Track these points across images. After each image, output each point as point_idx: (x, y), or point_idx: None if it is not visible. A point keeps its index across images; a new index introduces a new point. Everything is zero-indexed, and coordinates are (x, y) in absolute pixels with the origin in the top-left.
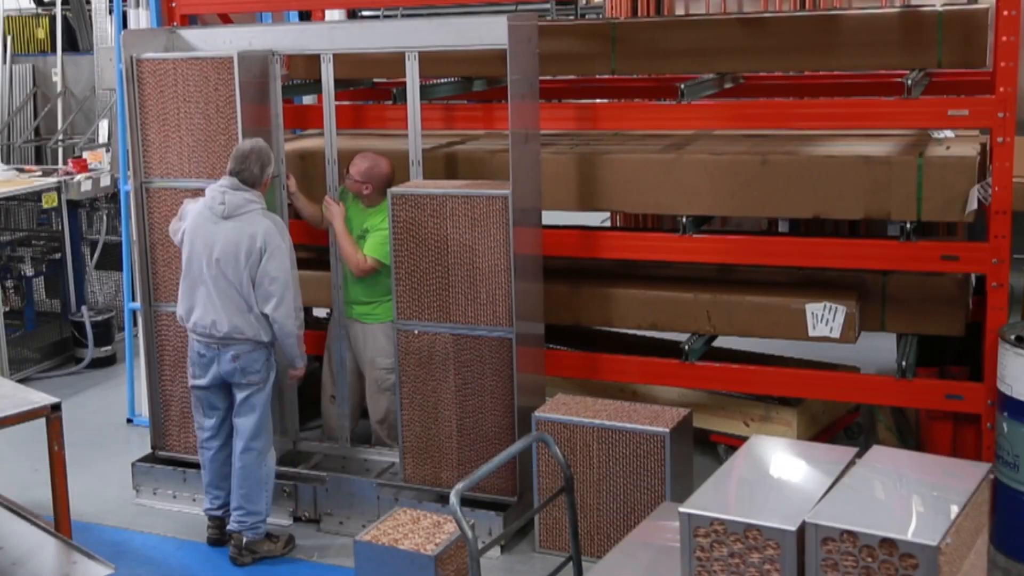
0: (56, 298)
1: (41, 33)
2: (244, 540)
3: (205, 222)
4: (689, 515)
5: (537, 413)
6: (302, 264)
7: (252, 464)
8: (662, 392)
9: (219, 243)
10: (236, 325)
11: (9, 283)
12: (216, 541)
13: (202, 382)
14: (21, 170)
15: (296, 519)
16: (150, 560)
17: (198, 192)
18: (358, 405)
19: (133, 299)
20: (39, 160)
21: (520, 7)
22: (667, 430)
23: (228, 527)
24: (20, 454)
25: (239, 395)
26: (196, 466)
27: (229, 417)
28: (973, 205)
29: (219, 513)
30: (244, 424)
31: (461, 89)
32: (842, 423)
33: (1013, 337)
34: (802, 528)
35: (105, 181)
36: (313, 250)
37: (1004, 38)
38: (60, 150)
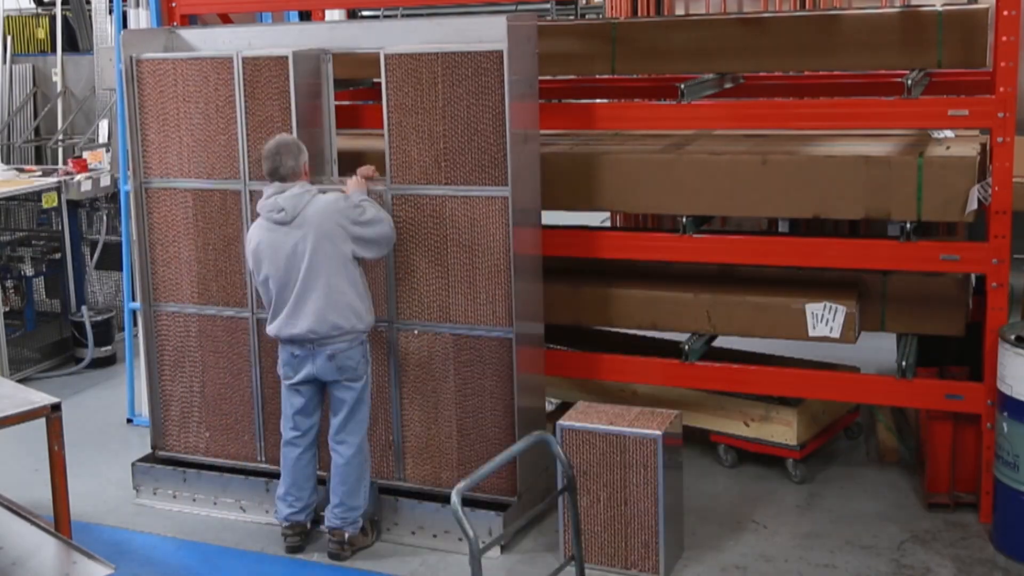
0: (56, 298)
1: (41, 33)
2: (347, 535)
3: (274, 236)
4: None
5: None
6: None
7: (352, 458)
8: (662, 392)
9: (306, 242)
10: (334, 323)
11: (9, 283)
12: (297, 548)
13: (294, 380)
14: (21, 170)
15: None
16: (150, 560)
17: (198, 192)
18: None
19: (133, 299)
20: (39, 160)
21: (520, 7)
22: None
23: (328, 524)
24: (20, 454)
25: (335, 392)
26: (196, 466)
27: (318, 416)
28: (973, 205)
29: (302, 518)
30: (339, 420)
31: None
32: (842, 423)
33: (1013, 337)
34: None
35: (105, 181)
36: None
37: (1004, 38)
38: (60, 150)
